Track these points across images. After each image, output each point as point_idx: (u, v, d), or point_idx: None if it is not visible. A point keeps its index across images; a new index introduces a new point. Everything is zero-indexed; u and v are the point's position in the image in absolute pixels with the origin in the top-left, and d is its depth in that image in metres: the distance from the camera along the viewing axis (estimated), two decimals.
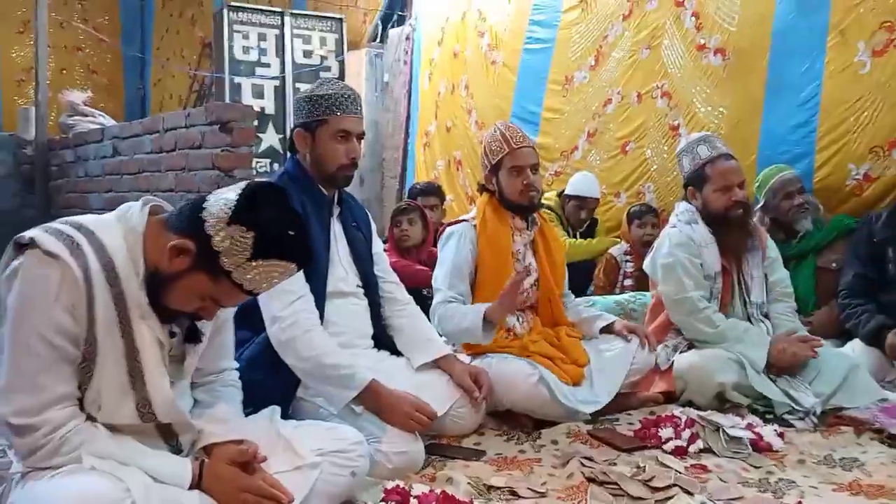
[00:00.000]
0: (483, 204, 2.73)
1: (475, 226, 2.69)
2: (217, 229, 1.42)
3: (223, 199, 1.45)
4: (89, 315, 1.42)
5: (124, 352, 1.47)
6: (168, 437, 1.57)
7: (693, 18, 4.11)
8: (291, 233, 1.46)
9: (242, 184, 1.50)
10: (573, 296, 2.97)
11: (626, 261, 3.96)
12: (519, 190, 2.65)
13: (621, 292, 3.77)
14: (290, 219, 1.48)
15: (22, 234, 1.42)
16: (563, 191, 4.38)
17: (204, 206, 1.46)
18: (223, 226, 1.42)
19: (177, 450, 1.58)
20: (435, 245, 3.81)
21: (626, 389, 2.65)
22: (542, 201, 4.29)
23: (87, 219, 1.50)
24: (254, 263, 1.43)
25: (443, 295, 2.62)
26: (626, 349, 2.68)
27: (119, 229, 1.49)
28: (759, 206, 3.38)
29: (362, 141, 2.35)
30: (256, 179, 1.60)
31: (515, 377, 2.46)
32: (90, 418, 1.46)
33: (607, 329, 2.77)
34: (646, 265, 2.99)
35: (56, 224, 1.46)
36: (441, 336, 2.56)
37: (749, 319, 2.82)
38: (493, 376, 2.43)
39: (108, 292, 1.44)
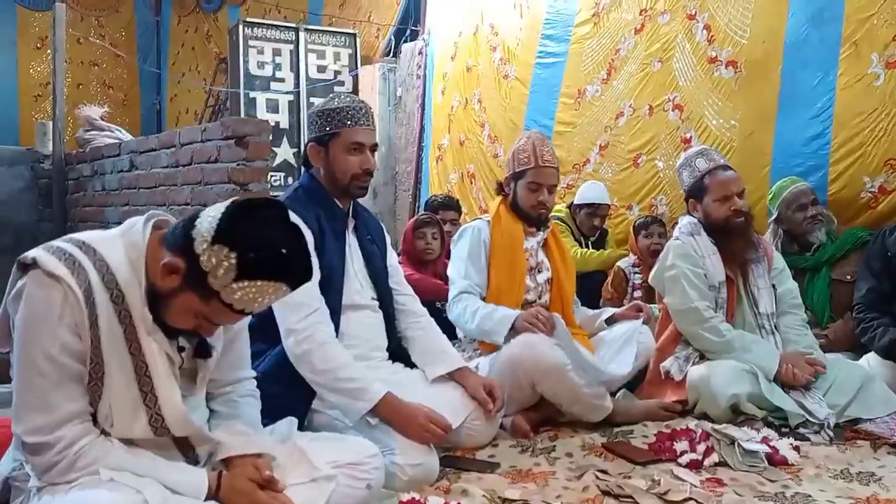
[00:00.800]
0: (498, 203, 2.85)
1: (489, 222, 2.80)
2: (202, 248, 1.38)
3: (209, 216, 1.40)
4: (93, 333, 1.42)
5: (133, 367, 1.47)
6: (185, 449, 1.58)
7: (705, 31, 4.12)
8: (284, 250, 1.40)
9: (230, 200, 1.44)
10: (580, 303, 3.04)
11: (635, 272, 3.97)
12: (531, 205, 2.78)
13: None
14: (280, 237, 1.41)
15: (25, 255, 1.42)
16: (573, 202, 4.39)
17: (195, 223, 1.41)
18: (208, 245, 1.37)
19: (194, 461, 1.59)
20: (449, 257, 3.85)
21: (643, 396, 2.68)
22: (553, 213, 4.34)
23: (90, 235, 1.50)
24: (240, 284, 1.38)
25: (459, 285, 2.70)
26: (631, 326, 2.76)
27: (122, 245, 1.49)
28: (773, 218, 3.39)
29: (376, 153, 2.37)
30: (244, 196, 1.56)
31: (535, 337, 2.49)
32: (104, 433, 1.47)
33: (612, 319, 2.87)
34: (651, 278, 3.01)
35: (58, 242, 1.46)
36: (455, 340, 2.60)
37: (759, 331, 2.82)
38: (516, 346, 2.49)
39: (112, 309, 1.44)
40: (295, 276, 1.44)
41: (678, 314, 2.81)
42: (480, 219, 2.88)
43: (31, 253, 1.42)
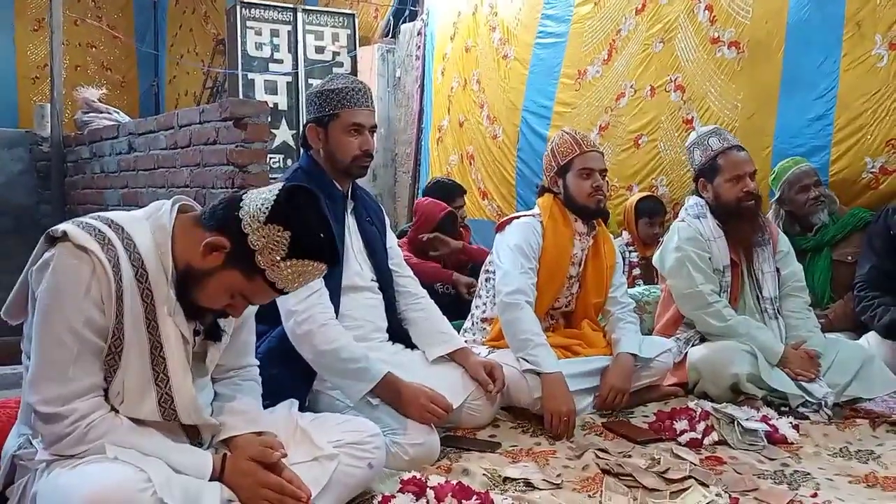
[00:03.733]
0: (549, 204, 2.71)
1: (542, 222, 2.68)
2: (254, 228, 1.46)
3: (261, 198, 1.49)
4: (118, 308, 1.45)
5: (149, 347, 1.50)
6: (191, 433, 1.60)
7: (707, 12, 4.09)
8: (322, 234, 1.50)
9: (279, 184, 1.53)
10: (626, 298, 2.82)
11: (631, 251, 3.92)
12: (587, 192, 2.64)
13: (632, 284, 3.73)
14: (322, 220, 1.51)
15: (55, 228, 1.45)
16: None
17: (241, 204, 1.49)
18: (260, 224, 1.45)
19: (198, 444, 1.60)
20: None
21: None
22: None
23: (117, 215, 1.53)
24: (288, 262, 1.46)
25: (516, 281, 2.54)
26: (662, 347, 2.72)
27: (148, 226, 1.52)
28: (775, 198, 3.38)
29: (375, 135, 2.36)
30: (291, 182, 1.64)
31: (519, 383, 2.45)
32: (114, 410, 1.49)
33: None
34: (655, 259, 3.00)
35: (87, 219, 1.49)
36: (459, 320, 2.56)
37: (762, 315, 2.82)
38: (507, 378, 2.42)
39: (136, 287, 1.47)
40: (333, 257, 1.54)
41: (682, 297, 2.81)
42: (531, 215, 2.71)
43: (62, 226, 1.44)
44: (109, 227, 1.48)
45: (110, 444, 1.43)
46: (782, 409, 2.51)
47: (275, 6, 6.42)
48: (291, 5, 6.53)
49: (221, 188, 3.87)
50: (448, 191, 4.13)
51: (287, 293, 1.54)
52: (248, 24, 6.17)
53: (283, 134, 6.15)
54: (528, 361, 2.44)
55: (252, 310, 1.72)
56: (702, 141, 2.89)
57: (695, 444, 2.23)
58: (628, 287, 3.68)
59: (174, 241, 1.51)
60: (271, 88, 6.20)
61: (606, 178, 2.72)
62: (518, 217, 2.75)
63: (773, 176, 3.42)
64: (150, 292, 1.48)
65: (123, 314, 1.46)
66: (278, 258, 1.46)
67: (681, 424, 2.29)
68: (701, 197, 2.91)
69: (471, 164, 5.77)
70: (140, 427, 1.50)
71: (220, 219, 1.50)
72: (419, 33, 6.51)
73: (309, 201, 1.51)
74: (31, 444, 1.51)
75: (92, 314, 1.43)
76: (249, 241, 1.45)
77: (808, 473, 2.03)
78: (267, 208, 1.46)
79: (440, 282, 3.53)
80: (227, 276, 1.48)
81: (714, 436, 2.26)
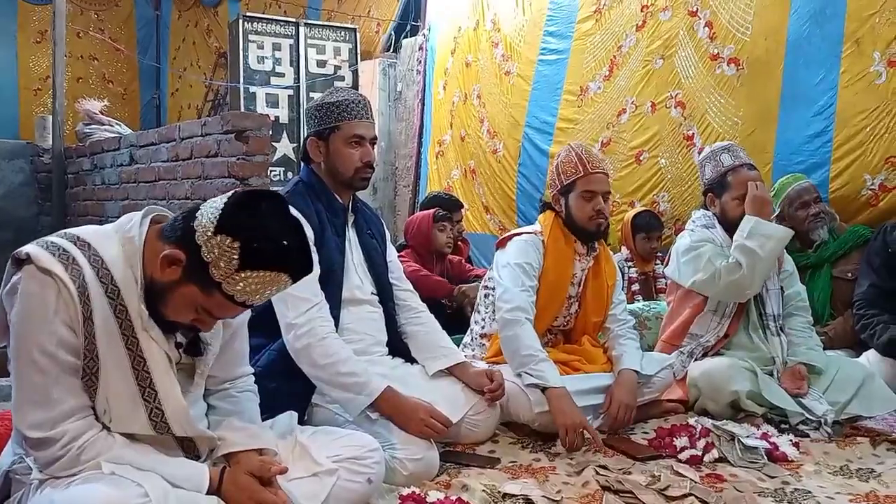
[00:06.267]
0: (550, 222, 2.69)
1: (543, 241, 2.66)
2: (205, 239, 1.38)
3: (212, 207, 1.41)
4: (87, 329, 1.41)
5: (130, 363, 1.46)
6: (187, 446, 1.57)
7: (707, 28, 4.11)
8: (285, 242, 1.40)
9: (231, 192, 1.45)
10: (626, 315, 2.81)
11: (629, 267, 3.90)
12: (588, 215, 2.61)
13: (631, 300, 3.72)
14: (284, 227, 1.42)
15: (20, 249, 1.41)
16: None
17: (196, 214, 1.42)
18: (210, 235, 1.37)
19: (195, 458, 1.58)
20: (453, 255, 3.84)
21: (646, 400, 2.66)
22: None
23: (84, 230, 1.49)
24: (242, 275, 1.38)
25: (517, 299, 2.53)
26: (664, 362, 2.72)
27: (117, 240, 1.48)
28: (775, 215, 3.38)
29: (375, 147, 2.37)
30: (247, 187, 1.57)
31: (519, 398, 2.45)
32: (106, 429, 1.46)
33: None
34: (669, 272, 2.98)
35: (53, 238, 1.46)
36: (459, 335, 2.55)
37: (764, 331, 2.82)
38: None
39: (107, 304, 1.43)
40: (296, 268, 1.43)
41: (704, 285, 2.74)
42: (532, 233, 2.69)
43: (26, 248, 1.41)
44: (75, 244, 1.44)
45: (106, 461, 1.41)
46: (782, 426, 2.50)
47: (277, 20, 6.45)
48: (293, 19, 6.57)
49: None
50: (445, 206, 4.14)
51: (251, 306, 1.47)
52: (251, 37, 6.20)
53: (284, 147, 6.16)
54: (531, 376, 2.43)
55: (243, 318, 1.68)
56: (714, 156, 2.90)
57: (695, 461, 2.22)
58: (628, 303, 3.68)
59: (144, 254, 1.47)
60: (273, 102, 6.22)
61: (609, 200, 2.68)
62: (519, 234, 2.73)
63: (772, 192, 3.42)
64: (124, 308, 1.44)
65: (95, 334, 1.42)
66: (231, 270, 1.37)
67: (681, 441, 2.28)
68: (708, 210, 2.91)
69: (473, 178, 5.78)
70: (134, 443, 1.48)
71: (178, 230, 1.43)
72: (420, 48, 6.54)
73: (266, 207, 1.41)
74: (25, 461, 1.48)
75: (63, 334, 1.40)
76: (202, 254, 1.38)
77: (809, 491, 2.02)
78: (216, 217, 1.38)
79: (444, 296, 3.53)
80: (186, 290, 1.42)
81: (714, 453, 2.25)
